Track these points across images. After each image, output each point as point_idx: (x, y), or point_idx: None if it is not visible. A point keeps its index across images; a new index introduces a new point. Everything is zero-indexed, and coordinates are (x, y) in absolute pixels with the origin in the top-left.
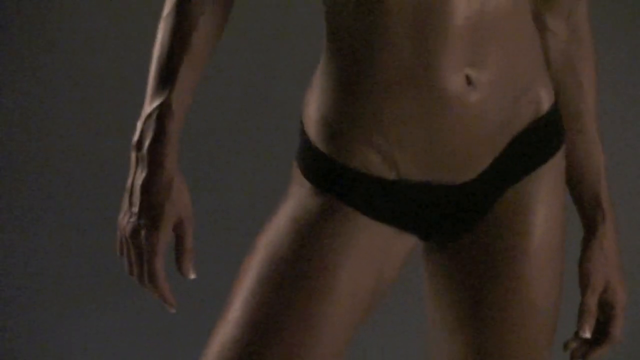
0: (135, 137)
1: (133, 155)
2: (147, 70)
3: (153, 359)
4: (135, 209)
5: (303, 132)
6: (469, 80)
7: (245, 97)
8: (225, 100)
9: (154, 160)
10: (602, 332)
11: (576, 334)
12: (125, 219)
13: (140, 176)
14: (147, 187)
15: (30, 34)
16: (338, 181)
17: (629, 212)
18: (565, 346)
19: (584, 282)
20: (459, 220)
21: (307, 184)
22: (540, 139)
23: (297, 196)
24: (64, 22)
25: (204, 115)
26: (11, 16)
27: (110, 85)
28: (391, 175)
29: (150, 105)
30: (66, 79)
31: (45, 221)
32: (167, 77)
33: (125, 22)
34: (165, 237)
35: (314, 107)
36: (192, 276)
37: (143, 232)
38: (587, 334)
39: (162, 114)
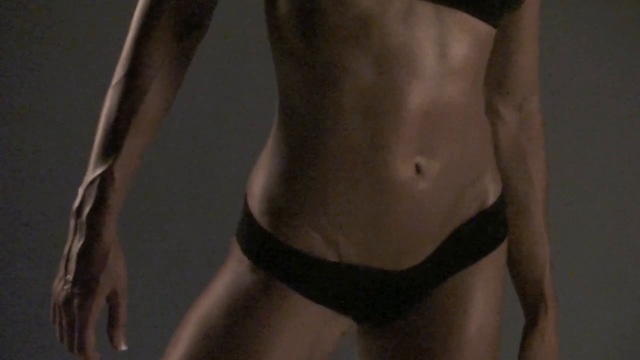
0: (76, 204)
1: (72, 221)
2: None
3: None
4: (70, 277)
5: (246, 208)
6: (418, 169)
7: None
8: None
9: (92, 230)
10: None
11: None
12: (60, 286)
13: (78, 244)
14: (83, 256)
15: (30, 34)
16: (277, 259)
17: (628, 212)
18: None
19: None
20: (396, 305)
21: (245, 260)
22: (484, 232)
23: (235, 271)
24: (64, 22)
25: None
26: (11, 16)
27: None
28: (332, 258)
29: (92, 173)
30: (66, 78)
31: (41, 221)
32: (112, 146)
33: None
34: (97, 308)
35: (259, 184)
36: (123, 348)
37: (76, 301)
38: None
39: (104, 183)
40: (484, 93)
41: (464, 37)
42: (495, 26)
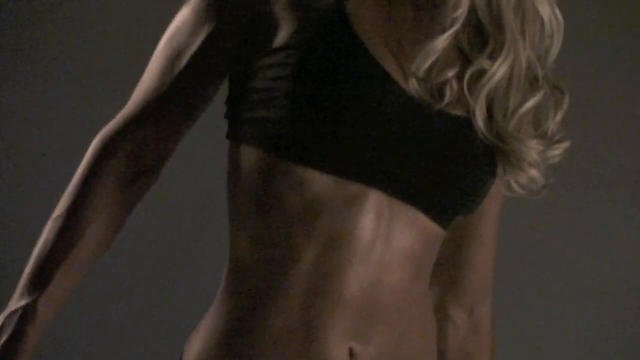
0: None
1: None
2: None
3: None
4: None
5: None
6: (352, 354)
7: None
8: None
9: None
10: None
11: None
12: None
13: None
14: None
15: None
16: None
17: (628, 211)
18: None
19: None
20: None
21: None
22: None
23: None
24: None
25: None
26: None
27: (109, 86)
28: None
29: (17, 302)
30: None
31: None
32: (40, 281)
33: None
34: None
35: (197, 344)
36: None
37: None
38: None
39: (25, 317)
40: (435, 291)
41: (411, 232)
42: (444, 227)
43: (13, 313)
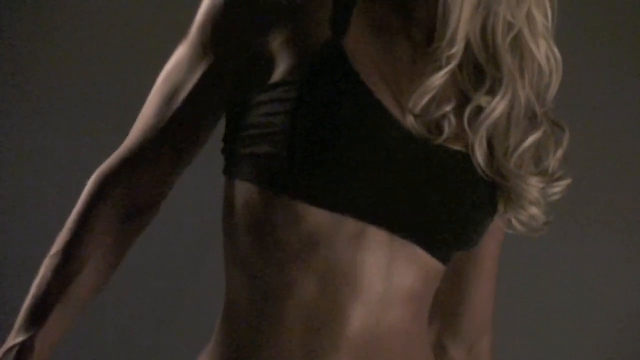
0: None
1: None
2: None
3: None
4: None
5: None
6: None
7: None
8: None
9: None
10: None
11: None
12: None
13: None
14: None
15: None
16: None
17: (628, 211)
18: None
19: None
20: None
21: None
22: None
23: None
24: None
25: None
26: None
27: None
28: None
29: (14, 339)
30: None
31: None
32: (37, 317)
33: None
34: None
35: None
36: None
37: None
38: None
39: (22, 353)
40: (433, 327)
41: (411, 268)
42: (444, 263)
43: (10, 349)
